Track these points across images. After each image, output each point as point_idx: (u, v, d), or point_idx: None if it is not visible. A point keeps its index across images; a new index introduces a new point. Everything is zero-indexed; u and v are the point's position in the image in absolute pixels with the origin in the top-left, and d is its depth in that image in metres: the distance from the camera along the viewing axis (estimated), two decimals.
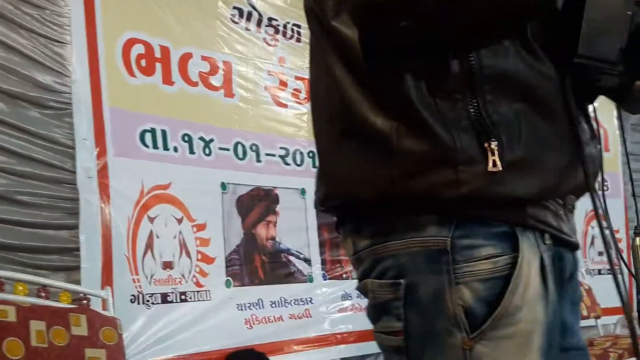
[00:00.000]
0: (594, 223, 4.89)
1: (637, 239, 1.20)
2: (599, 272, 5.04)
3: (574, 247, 1.02)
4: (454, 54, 0.88)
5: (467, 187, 0.86)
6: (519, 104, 0.90)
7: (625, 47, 0.91)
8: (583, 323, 2.69)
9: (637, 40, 0.92)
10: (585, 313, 4.31)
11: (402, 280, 0.91)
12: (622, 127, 1.34)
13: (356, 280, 1.02)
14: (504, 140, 0.88)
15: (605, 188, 1.07)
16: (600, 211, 0.96)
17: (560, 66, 0.93)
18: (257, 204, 3.54)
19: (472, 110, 0.88)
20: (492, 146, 0.87)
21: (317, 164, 1.07)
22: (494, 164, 0.86)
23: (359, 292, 1.04)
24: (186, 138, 3.25)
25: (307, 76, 3.86)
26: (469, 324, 0.88)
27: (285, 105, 3.74)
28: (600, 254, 5.09)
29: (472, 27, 0.87)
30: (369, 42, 0.91)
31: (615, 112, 4.14)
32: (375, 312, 0.96)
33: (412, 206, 0.90)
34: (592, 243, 5.04)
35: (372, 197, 0.92)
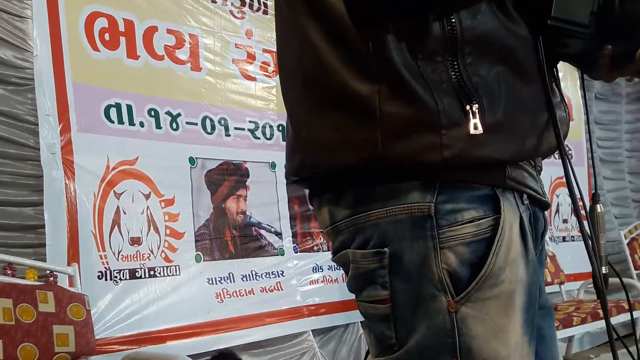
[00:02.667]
0: (559, 191, 4.96)
1: (597, 206, 1.23)
2: (563, 239, 5.12)
3: (545, 206, 1.04)
4: (435, 15, 0.87)
5: (449, 150, 0.87)
6: (499, 66, 0.90)
7: (595, 11, 0.92)
8: (547, 289, 2.74)
9: (606, 4, 0.93)
10: (549, 279, 4.40)
11: (386, 249, 0.91)
12: (585, 95, 1.35)
13: (327, 252, 1.02)
14: (484, 103, 0.88)
15: (569, 156, 1.08)
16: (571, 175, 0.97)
17: (532, 28, 0.93)
18: (227, 178, 3.52)
19: (452, 72, 0.88)
20: (474, 109, 0.87)
21: (289, 135, 1.02)
22: (475, 127, 0.87)
23: (335, 264, 1.02)
24: (152, 113, 3.21)
25: (275, 48, 3.82)
26: (454, 287, 0.89)
27: (253, 79, 3.71)
28: (564, 221, 5.17)
29: None
30: (356, 3, 0.88)
31: (578, 81, 4.16)
32: (359, 282, 0.96)
33: (395, 172, 0.90)
34: (557, 211, 5.11)
35: (355, 162, 0.91)
